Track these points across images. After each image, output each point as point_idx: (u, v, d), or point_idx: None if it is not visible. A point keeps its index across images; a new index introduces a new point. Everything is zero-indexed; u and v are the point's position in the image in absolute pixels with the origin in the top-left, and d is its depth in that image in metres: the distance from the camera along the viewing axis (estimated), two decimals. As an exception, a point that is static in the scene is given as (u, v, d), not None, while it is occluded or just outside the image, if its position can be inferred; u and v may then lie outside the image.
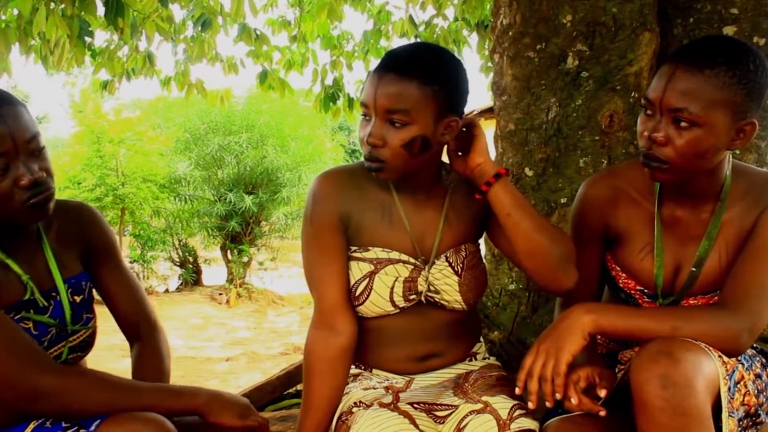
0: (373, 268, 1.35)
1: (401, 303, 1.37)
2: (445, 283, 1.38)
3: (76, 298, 1.33)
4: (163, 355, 1.41)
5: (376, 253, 1.36)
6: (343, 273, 1.36)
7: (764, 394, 1.29)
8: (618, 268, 1.43)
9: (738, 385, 1.21)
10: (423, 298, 1.39)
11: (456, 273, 1.39)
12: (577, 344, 1.19)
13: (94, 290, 1.41)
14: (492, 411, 1.24)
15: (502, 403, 1.26)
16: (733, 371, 1.20)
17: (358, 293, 1.36)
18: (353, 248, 1.38)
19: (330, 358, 1.34)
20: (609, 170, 1.50)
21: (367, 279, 1.35)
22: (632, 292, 1.41)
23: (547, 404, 1.20)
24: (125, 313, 1.42)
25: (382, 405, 1.30)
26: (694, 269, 1.34)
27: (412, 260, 1.37)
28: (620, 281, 1.42)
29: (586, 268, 1.44)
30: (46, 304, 1.26)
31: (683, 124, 1.18)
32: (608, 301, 1.52)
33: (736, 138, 1.22)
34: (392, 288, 1.35)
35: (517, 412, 1.24)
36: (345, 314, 1.35)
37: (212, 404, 1.21)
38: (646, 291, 1.40)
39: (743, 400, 1.22)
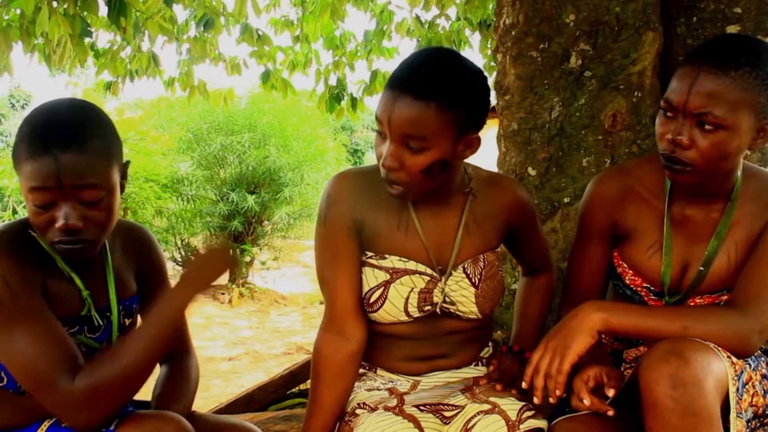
0: (389, 277, 1.32)
1: (416, 313, 1.34)
2: (461, 294, 1.35)
3: (126, 320, 1.33)
4: (191, 377, 1.39)
5: (392, 262, 1.33)
6: (356, 278, 1.33)
7: None
8: (625, 265, 1.42)
9: (746, 386, 1.21)
10: (438, 309, 1.36)
11: (473, 285, 1.35)
12: (584, 343, 1.18)
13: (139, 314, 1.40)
14: (501, 412, 1.24)
15: (510, 405, 1.26)
16: (742, 372, 1.19)
17: (372, 301, 1.33)
18: (369, 254, 1.35)
19: (339, 362, 1.33)
20: (619, 167, 1.48)
21: (383, 288, 1.32)
22: (638, 289, 1.41)
23: (551, 400, 1.20)
24: None
25: (387, 409, 1.30)
26: (702, 268, 1.34)
27: (429, 271, 1.34)
28: (627, 278, 1.42)
29: (592, 265, 1.45)
30: (101, 323, 1.25)
31: (708, 126, 1.17)
32: (614, 299, 1.52)
33: (757, 137, 1.22)
34: (407, 299, 1.32)
35: (526, 413, 1.25)
36: (356, 320, 1.33)
37: (191, 277, 1.21)
38: (652, 288, 1.40)
39: (751, 401, 1.21)
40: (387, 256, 1.33)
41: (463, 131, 1.22)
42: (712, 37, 1.39)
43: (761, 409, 1.24)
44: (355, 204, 1.32)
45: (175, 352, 1.42)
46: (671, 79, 1.23)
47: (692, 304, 1.37)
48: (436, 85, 1.17)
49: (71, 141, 1.11)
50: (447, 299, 1.35)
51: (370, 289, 1.33)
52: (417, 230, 1.34)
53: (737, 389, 1.15)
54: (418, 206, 1.35)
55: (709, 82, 1.16)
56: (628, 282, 1.42)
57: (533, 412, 1.26)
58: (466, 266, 1.36)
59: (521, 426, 1.22)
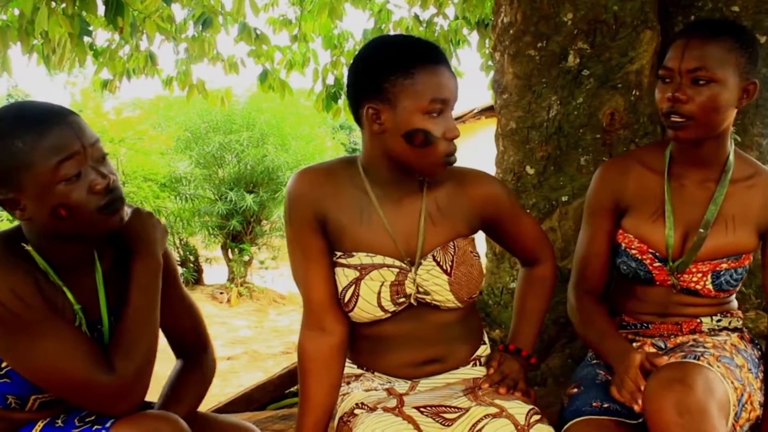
0: (358, 274, 1.32)
1: (390, 307, 1.34)
2: (434, 283, 1.34)
3: None
4: (206, 375, 1.38)
5: (360, 258, 1.33)
6: (327, 273, 1.34)
7: None
8: (630, 236, 1.50)
9: (745, 405, 1.27)
10: (413, 300, 1.35)
11: (445, 272, 1.34)
12: None
13: None
14: (509, 416, 1.22)
15: (518, 408, 1.25)
16: (742, 395, 1.25)
17: (346, 300, 1.33)
18: (338, 254, 1.35)
19: (323, 357, 1.34)
20: (622, 154, 1.65)
21: (354, 285, 1.32)
22: (644, 257, 1.48)
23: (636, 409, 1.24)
24: (180, 336, 1.40)
25: (386, 409, 1.29)
26: (702, 230, 1.44)
27: (397, 263, 1.33)
28: (632, 248, 1.49)
29: (597, 245, 1.54)
30: (90, 336, 1.23)
31: (701, 81, 1.34)
32: (617, 280, 1.59)
33: (742, 97, 1.38)
34: (379, 293, 1.32)
35: (534, 417, 1.23)
36: (333, 314, 1.34)
37: (150, 239, 1.27)
38: (657, 254, 1.47)
39: (748, 417, 1.29)
40: (354, 253, 1.34)
41: None
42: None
43: (756, 420, 1.31)
44: (316, 200, 1.33)
45: (193, 348, 1.41)
46: (666, 55, 1.42)
47: (694, 269, 1.45)
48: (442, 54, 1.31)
49: (66, 110, 1.14)
50: (420, 289, 1.35)
51: (343, 289, 1.34)
52: (381, 221, 1.34)
53: (736, 413, 1.22)
54: (378, 198, 1.35)
55: (699, 45, 1.35)
56: (633, 253, 1.48)
57: (540, 415, 1.25)
58: (435, 254, 1.35)
59: (531, 430, 1.21)
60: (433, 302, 1.36)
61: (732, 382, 1.21)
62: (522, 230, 1.50)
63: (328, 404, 1.35)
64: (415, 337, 1.38)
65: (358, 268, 1.33)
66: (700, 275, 1.45)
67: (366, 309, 1.33)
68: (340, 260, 1.34)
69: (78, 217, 1.13)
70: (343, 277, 1.33)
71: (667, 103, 1.37)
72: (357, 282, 1.32)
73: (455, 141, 1.28)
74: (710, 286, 1.45)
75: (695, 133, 1.37)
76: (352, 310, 1.34)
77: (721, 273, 1.44)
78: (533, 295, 1.54)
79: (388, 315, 1.35)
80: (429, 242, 1.36)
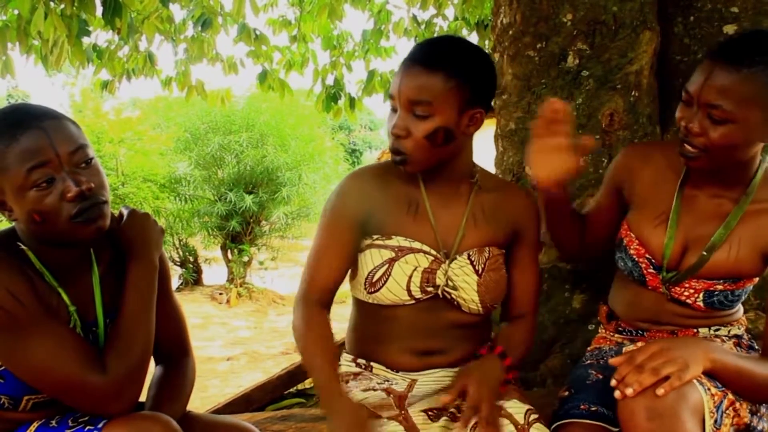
0: (393, 255, 1.36)
1: (417, 294, 1.36)
2: (463, 280, 1.37)
3: None
4: (187, 380, 1.38)
5: (398, 241, 1.37)
6: (345, 263, 1.38)
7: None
8: (632, 235, 1.47)
9: (727, 411, 1.23)
10: (440, 293, 1.38)
11: (476, 273, 1.38)
12: (698, 374, 1.19)
13: None
14: (508, 415, 1.23)
15: (516, 408, 1.26)
16: (721, 401, 1.21)
17: (375, 279, 1.36)
18: (375, 236, 1.38)
19: (326, 325, 1.35)
20: (650, 141, 1.67)
21: (387, 265, 1.35)
22: (640, 260, 1.46)
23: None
24: (164, 341, 1.38)
25: (391, 418, 1.27)
26: (705, 253, 1.38)
27: (433, 252, 1.37)
28: (631, 247, 1.47)
29: (605, 215, 1.56)
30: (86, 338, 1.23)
31: (716, 119, 1.22)
32: (614, 279, 1.60)
33: None
34: (410, 277, 1.35)
35: (532, 416, 1.25)
36: (332, 297, 1.38)
37: (147, 241, 1.28)
38: (653, 261, 1.44)
39: (733, 422, 1.24)
40: (393, 236, 1.37)
41: (467, 104, 1.29)
42: (722, 35, 1.51)
43: (743, 425, 1.26)
44: (365, 198, 1.38)
45: (174, 353, 1.41)
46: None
47: (687, 284, 1.41)
48: (442, 56, 1.27)
49: (46, 113, 1.12)
50: (449, 283, 1.37)
51: (373, 268, 1.36)
52: (427, 212, 1.39)
53: (715, 420, 1.18)
54: (429, 193, 1.40)
55: (722, 78, 1.20)
56: (632, 252, 1.47)
57: (538, 415, 1.26)
58: (471, 254, 1.39)
59: (531, 429, 1.22)
60: (458, 299, 1.38)
61: (709, 388, 1.18)
62: (528, 267, 1.47)
63: (334, 358, 1.35)
64: (425, 328, 1.40)
65: (395, 249, 1.36)
66: (692, 291, 1.42)
67: (394, 291, 1.36)
68: (377, 242, 1.38)
69: (51, 224, 1.12)
70: (378, 256, 1.36)
71: (682, 129, 1.29)
72: (391, 262, 1.35)
73: None
74: (701, 303, 1.42)
75: (708, 165, 1.29)
76: (378, 290, 1.36)
77: (715, 293, 1.40)
78: (515, 339, 1.46)
79: (412, 302, 1.37)
80: (467, 241, 1.40)
